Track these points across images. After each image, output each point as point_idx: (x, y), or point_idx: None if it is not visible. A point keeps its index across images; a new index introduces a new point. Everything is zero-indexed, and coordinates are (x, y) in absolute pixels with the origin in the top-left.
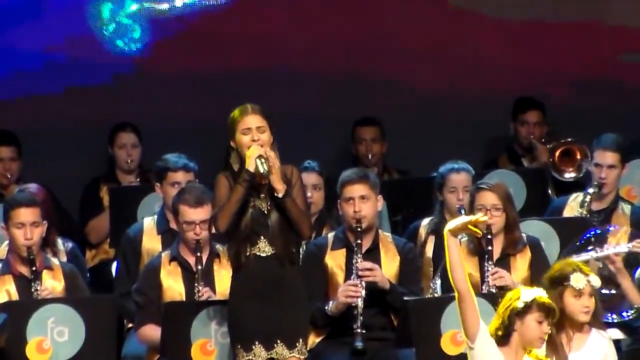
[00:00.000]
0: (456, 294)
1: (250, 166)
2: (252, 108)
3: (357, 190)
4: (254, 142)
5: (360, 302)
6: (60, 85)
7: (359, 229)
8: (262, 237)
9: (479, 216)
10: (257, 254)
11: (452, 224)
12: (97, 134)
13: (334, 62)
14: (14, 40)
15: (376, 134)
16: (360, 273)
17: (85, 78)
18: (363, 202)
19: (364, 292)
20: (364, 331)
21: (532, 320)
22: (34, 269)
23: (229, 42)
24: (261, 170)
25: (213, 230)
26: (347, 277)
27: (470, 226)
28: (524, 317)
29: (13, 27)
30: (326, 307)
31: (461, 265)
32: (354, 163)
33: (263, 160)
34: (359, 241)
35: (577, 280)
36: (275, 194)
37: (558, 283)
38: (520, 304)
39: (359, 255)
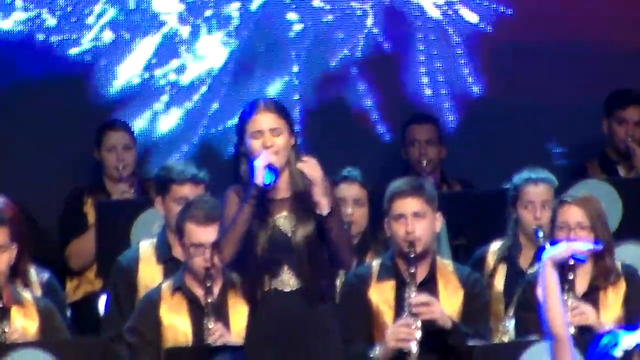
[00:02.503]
0: (554, 341)
1: (258, 179)
2: (264, 104)
3: (410, 205)
4: (267, 148)
5: (414, 347)
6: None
7: (413, 254)
8: (285, 267)
9: (592, 247)
10: (279, 288)
11: (554, 251)
12: (81, 132)
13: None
14: None
15: (432, 135)
16: (414, 309)
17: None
18: (417, 220)
19: (419, 334)
20: None
21: None
22: (0, 305)
23: None
24: (265, 182)
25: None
26: (397, 315)
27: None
28: None
29: None
30: (370, 354)
31: (561, 304)
32: (405, 171)
33: (271, 170)
34: (413, 270)
35: None
36: (318, 211)
37: None
38: (618, 354)
39: (413, 288)
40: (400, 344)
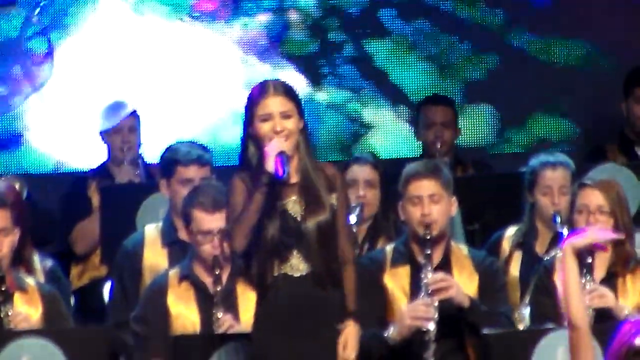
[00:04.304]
0: (571, 330)
1: (269, 167)
2: (274, 86)
3: (426, 187)
4: (276, 133)
5: (432, 327)
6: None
7: (428, 237)
8: (294, 251)
9: (615, 235)
10: (289, 272)
11: (577, 238)
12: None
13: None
14: None
15: (448, 117)
16: (431, 288)
17: None
18: (433, 202)
19: (437, 315)
20: None
21: None
22: (2, 289)
23: None
24: (278, 173)
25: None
26: (413, 300)
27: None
28: None
29: None
30: (385, 333)
31: (581, 292)
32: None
33: (284, 159)
34: (429, 251)
35: None
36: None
37: None
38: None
39: (429, 269)
40: (418, 322)
